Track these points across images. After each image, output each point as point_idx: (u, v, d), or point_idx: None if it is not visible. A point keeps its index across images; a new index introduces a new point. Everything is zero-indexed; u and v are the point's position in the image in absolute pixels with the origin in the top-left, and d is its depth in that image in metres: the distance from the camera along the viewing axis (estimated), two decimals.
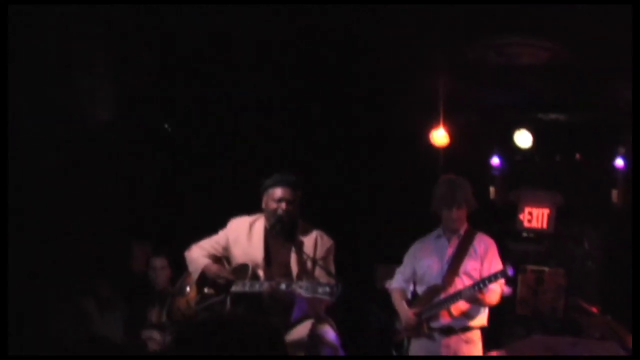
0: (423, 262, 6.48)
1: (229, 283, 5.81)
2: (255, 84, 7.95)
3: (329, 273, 5.75)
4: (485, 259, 6.35)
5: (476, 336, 6.34)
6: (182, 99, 8.15)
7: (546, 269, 8.70)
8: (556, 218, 8.77)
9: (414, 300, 6.45)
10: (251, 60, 7.43)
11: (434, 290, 6.35)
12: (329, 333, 5.86)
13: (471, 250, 6.38)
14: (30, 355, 5.67)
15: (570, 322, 8.14)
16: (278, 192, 5.90)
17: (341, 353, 5.79)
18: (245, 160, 8.42)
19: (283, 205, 5.87)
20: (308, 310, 5.85)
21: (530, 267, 8.67)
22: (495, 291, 6.25)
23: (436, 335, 6.31)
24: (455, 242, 6.43)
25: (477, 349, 6.26)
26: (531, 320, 8.53)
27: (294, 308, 5.79)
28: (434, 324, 6.32)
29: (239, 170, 8.36)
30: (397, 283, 6.61)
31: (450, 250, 6.41)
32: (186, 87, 7.92)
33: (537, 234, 8.88)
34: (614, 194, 8.74)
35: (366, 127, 8.83)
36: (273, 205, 5.90)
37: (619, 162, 8.65)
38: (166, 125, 8.78)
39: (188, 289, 6.04)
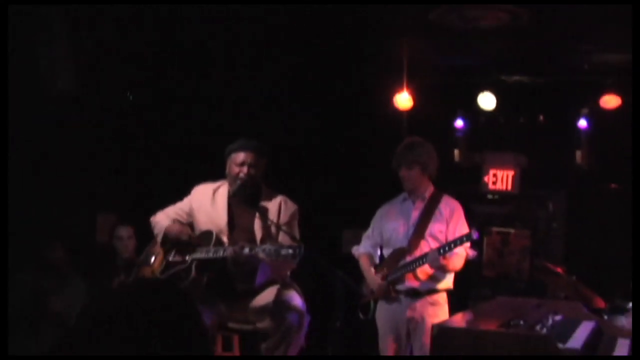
0: (389, 225, 6.46)
1: (192, 244, 5.83)
2: (219, 50, 7.89)
3: (293, 238, 5.75)
4: (450, 221, 6.33)
5: (442, 299, 6.35)
6: (145, 66, 8.07)
7: (511, 230, 8.74)
8: (520, 180, 8.81)
9: (380, 264, 6.44)
10: (215, 26, 7.37)
11: (399, 253, 6.34)
12: (295, 298, 5.86)
13: (437, 212, 6.34)
14: (30, 355, 5.66)
15: (535, 282, 8.22)
16: (241, 156, 5.88)
17: (306, 318, 5.79)
18: (212, 127, 8.36)
19: (245, 169, 5.86)
20: (272, 274, 5.85)
21: (495, 229, 8.71)
22: (460, 255, 6.24)
23: (402, 297, 6.31)
24: (420, 205, 6.39)
25: (444, 312, 6.27)
26: (497, 282, 8.58)
27: (257, 273, 5.79)
28: (400, 287, 6.30)
29: (204, 137, 8.30)
30: (364, 247, 6.60)
31: (415, 213, 6.38)
32: (147, 54, 7.85)
33: (502, 195, 8.91)
34: (578, 154, 8.79)
35: (330, 92, 8.80)
36: (235, 169, 5.89)
37: (582, 123, 8.71)
38: (129, 94, 8.70)
39: (153, 258, 6.01)
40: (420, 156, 6.30)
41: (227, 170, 5.98)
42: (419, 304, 6.27)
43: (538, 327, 4.60)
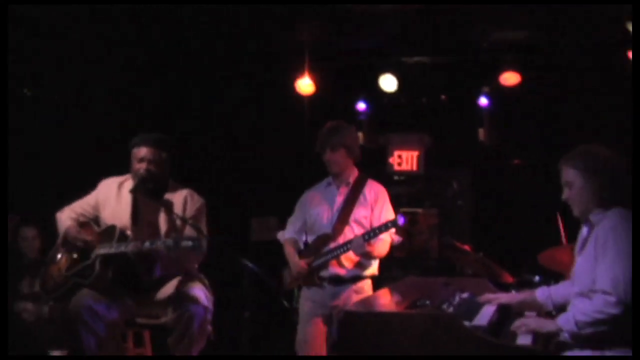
0: (313, 210, 6.38)
1: (88, 246, 5.76)
2: (115, 37, 7.72)
3: (199, 231, 5.70)
4: (375, 206, 6.27)
5: (367, 286, 6.30)
6: (42, 60, 7.88)
7: (419, 210, 8.78)
8: (425, 159, 8.85)
9: (305, 250, 6.38)
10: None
11: (324, 239, 6.27)
12: (196, 290, 5.80)
13: (361, 197, 6.29)
14: (30, 355, 5.58)
15: (444, 260, 8.29)
16: (140, 151, 5.83)
17: (210, 309, 5.76)
18: (115, 120, 8.18)
19: (144, 165, 5.81)
20: (173, 266, 5.81)
21: (403, 209, 8.71)
22: (385, 241, 6.20)
23: (326, 284, 6.24)
24: (345, 189, 6.33)
25: None
26: (407, 262, 8.60)
27: (156, 265, 5.75)
28: (324, 273, 6.24)
29: (106, 131, 8.14)
30: (288, 233, 6.51)
31: (340, 199, 6.31)
32: (43, 47, 7.66)
33: (408, 176, 8.94)
34: (480, 132, 8.88)
35: (233, 79, 8.72)
36: (136, 165, 5.84)
37: (483, 100, 8.80)
38: (25, 90, 8.48)
39: (59, 256, 5.91)
40: (345, 139, 6.24)
41: (131, 165, 5.94)
42: (343, 292, 6.20)
43: (445, 306, 4.62)
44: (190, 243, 5.40)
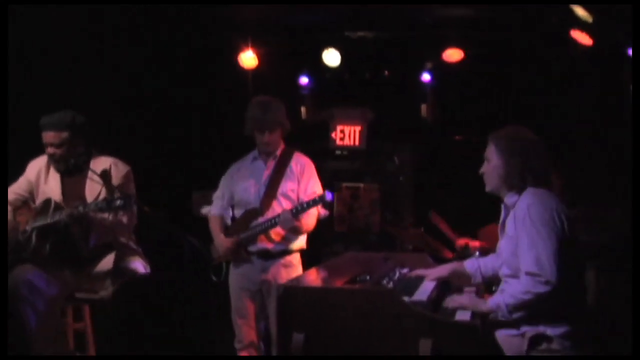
0: (240, 185, 6.36)
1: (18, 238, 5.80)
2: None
3: (127, 196, 5.70)
4: (302, 179, 6.28)
5: (296, 260, 6.34)
6: None
7: (361, 185, 8.80)
8: (368, 135, 8.87)
9: (232, 225, 6.37)
10: None
11: (251, 214, 6.27)
12: (135, 263, 5.86)
13: (288, 171, 6.29)
14: (31, 355, 5.54)
15: (385, 235, 8.33)
16: (45, 136, 5.88)
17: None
18: (39, 95, 8.00)
19: (49, 149, 5.88)
20: (106, 234, 5.82)
21: (345, 184, 8.75)
22: (312, 214, 6.23)
23: (254, 259, 6.26)
24: (271, 163, 6.32)
25: (297, 273, 6.21)
26: (349, 237, 8.64)
27: (90, 235, 5.76)
28: (252, 248, 6.26)
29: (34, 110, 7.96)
30: (215, 209, 6.49)
31: (266, 173, 6.30)
32: None
33: (350, 151, 8.95)
34: (423, 108, 8.92)
35: (174, 52, 8.63)
36: (45, 148, 5.91)
37: (426, 76, 8.83)
38: None
39: None
40: (279, 116, 6.24)
41: None
42: (272, 267, 6.24)
43: (385, 282, 4.65)
44: (121, 202, 5.44)
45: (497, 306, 4.25)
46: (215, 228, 6.41)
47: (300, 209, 6.06)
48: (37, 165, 6.03)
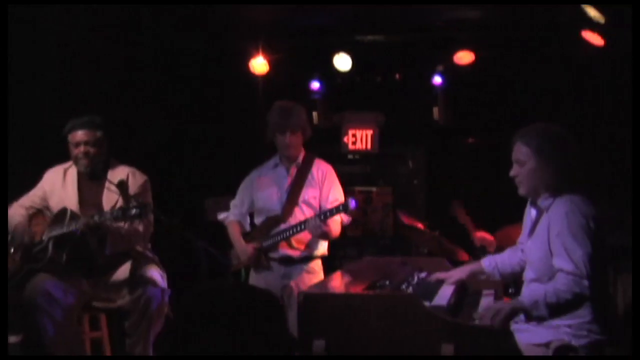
0: (262, 193, 6.32)
1: (33, 242, 5.79)
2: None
3: (144, 206, 5.71)
4: (323, 186, 6.25)
5: (317, 266, 6.30)
6: None
7: (374, 188, 8.78)
8: (380, 138, 8.86)
9: (252, 232, 6.35)
10: None
11: (273, 221, 6.23)
12: (152, 272, 5.82)
13: (309, 177, 6.26)
14: (30, 355, 5.56)
15: (399, 239, 8.31)
16: (76, 136, 5.89)
17: (167, 291, 5.76)
18: (54, 104, 8.00)
19: (82, 148, 5.87)
20: (121, 243, 5.81)
21: (358, 188, 8.73)
22: (337, 221, 6.18)
23: (275, 265, 6.22)
24: (293, 170, 6.28)
25: (319, 279, 6.16)
26: (362, 241, 8.62)
27: (106, 244, 5.75)
28: (274, 255, 6.22)
29: (48, 117, 7.96)
30: (233, 216, 6.44)
31: (289, 180, 6.27)
32: None
33: (362, 155, 8.95)
34: (435, 111, 8.89)
35: (185, 59, 8.63)
36: (74, 150, 5.91)
37: (437, 79, 8.80)
38: None
39: (12, 249, 5.85)
40: (301, 120, 6.22)
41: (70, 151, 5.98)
42: (294, 272, 6.20)
43: (404, 287, 4.64)
44: (137, 211, 5.44)
45: (535, 303, 4.12)
46: (235, 234, 6.37)
47: (324, 217, 5.99)
48: (53, 174, 6.04)
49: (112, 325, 6.21)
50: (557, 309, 4.12)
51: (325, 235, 6.16)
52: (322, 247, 6.32)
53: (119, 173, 5.94)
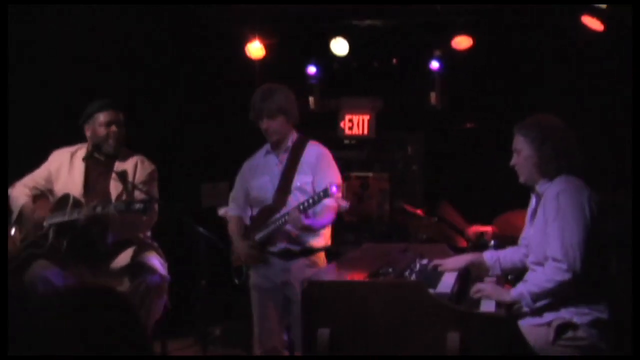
0: (254, 182, 5.92)
1: (43, 220, 5.75)
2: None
3: (150, 196, 5.68)
4: (317, 170, 5.75)
5: (320, 259, 5.83)
6: None
7: (370, 174, 8.75)
8: (377, 123, 8.82)
9: (250, 225, 5.96)
10: None
11: (267, 212, 5.80)
12: (152, 259, 5.75)
13: (302, 162, 5.79)
14: (30, 355, 5.49)
15: (396, 225, 8.29)
16: (106, 115, 5.86)
17: (166, 278, 5.71)
18: (62, 88, 7.95)
19: (113, 127, 5.86)
20: (124, 232, 5.78)
21: (354, 174, 8.69)
22: (329, 207, 5.64)
23: (275, 260, 5.79)
24: (285, 156, 5.83)
25: None
26: (359, 226, 8.59)
27: (108, 233, 5.72)
28: (272, 249, 5.80)
29: (55, 100, 7.91)
30: (232, 210, 6.09)
31: (280, 166, 5.82)
32: None
33: (359, 140, 8.91)
34: (432, 96, 8.85)
35: (181, 42, 8.57)
36: (102, 130, 5.85)
37: (435, 64, 8.76)
38: None
39: (13, 231, 5.82)
40: (281, 103, 5.74)
41: (89, 134, 5.91)
42: (295, 267, 5.73)
43: (407, 274, 4.61)
44: (141, 205, 5.37)
45: (521, 295, 4.27)
46: (234, 231, 6.00)
47: (307, 205, 5.46)
48: (60, 156, 5.97)
49: None
50: (542, 297, 4.24)
51: (308, 229, 5.66)
52: (323, 238, 5.85)
53: (128, 160, 5.92)
